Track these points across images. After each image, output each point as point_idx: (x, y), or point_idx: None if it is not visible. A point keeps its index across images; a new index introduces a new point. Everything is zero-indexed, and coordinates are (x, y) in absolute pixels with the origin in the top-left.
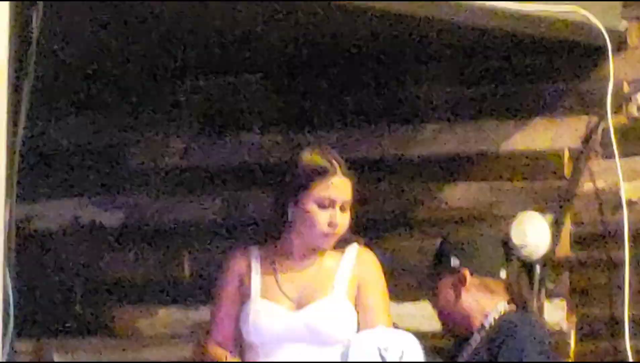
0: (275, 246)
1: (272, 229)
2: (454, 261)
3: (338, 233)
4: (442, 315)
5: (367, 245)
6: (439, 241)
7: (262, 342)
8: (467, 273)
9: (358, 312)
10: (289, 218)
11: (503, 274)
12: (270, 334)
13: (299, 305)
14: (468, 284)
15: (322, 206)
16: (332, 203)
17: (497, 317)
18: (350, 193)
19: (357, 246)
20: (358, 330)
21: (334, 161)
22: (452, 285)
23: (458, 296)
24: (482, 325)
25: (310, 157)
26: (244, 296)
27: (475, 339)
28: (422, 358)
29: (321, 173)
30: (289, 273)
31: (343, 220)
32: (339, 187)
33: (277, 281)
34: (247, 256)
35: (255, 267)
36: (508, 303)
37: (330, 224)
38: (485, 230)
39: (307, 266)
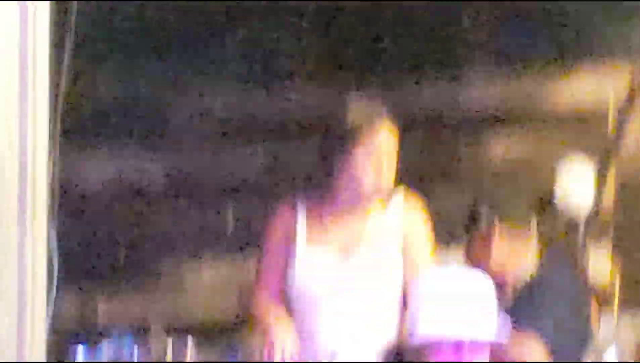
0: (322, 197)
1: (319, 180)
2: (485, 213)
3: (385, 183)
4: (476, 265)
5: (413, 193)
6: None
7: (308, 291)
8: (497, 223)
9: (405, 258)
10: (335, 168)
11: (534, 224)
12: (319, 284)
13: (346, 254)
14: (499, 234)
15: (369, 157)
16: (379, 154)
17: (529, 270)
18: (396, 143)
19: (403, 195)
20: (403, 277)
21: (381, 112)
22: (485, 239)
23: (489, 246)
24: (515, 278)
25: (357, 107)
26: (291, 247)
27: (508, 292)
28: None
29: (368, 123)
30: (336, 223)
31: (390, 170)
32: (385, 138)
33: (325, 231)
34: (294, 207)
35: (302, 218)
36: (541, 255)
37: (377, 175)
38: (527, 183)
39: (355, 215)
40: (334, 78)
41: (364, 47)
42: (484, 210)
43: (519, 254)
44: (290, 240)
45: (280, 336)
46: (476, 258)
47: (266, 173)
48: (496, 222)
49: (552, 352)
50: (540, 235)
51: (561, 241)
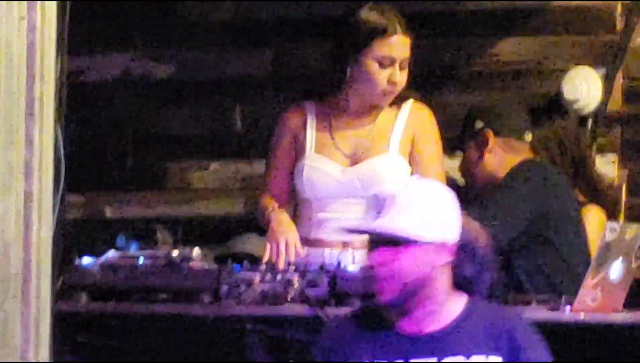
0: (332, 103)
1: (329, 85)
2: (478, 124)
3: (397, 90)
4: (468, 173)
5: (422, 100)
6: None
7: (315, 196)
8: (490, 134)
9: (412, 166)
10: (347, 75)
11: (528, 136)
12: (324, 188)
13: (354, 161)
14: (491, 144)
15: (382, 64)
16: (392, 61)
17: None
18: (409, 50)
19: (413, 102)
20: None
21: (394, 19)
22: (477, 146)
23: (482, 156)
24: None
25: (370, 14)
26: (298, 152)
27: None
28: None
29: (381, 31)
30: (345, 130)
31: (402, 78)
32: (398, 45)
33: (332, 137)
34: (302, 111)
35: (311, 123)
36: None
37: (389, 82)
38: (536, 85)
39: (364, 123)
40: None
41: None
42: (476, 116)
43: (512, 158)
44: (298, 144)
45: (283, 236)
46: (469, 166)
47: (273, 74)
48: (489, 133)
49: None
50: (530, 141)
51: (545, 155)
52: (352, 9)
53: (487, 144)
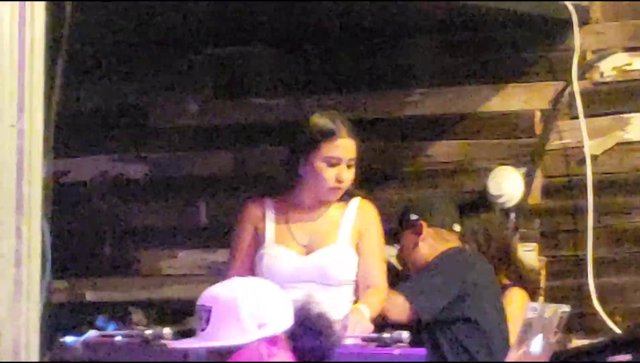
0: (287, 198)
1: (284, 183)
2: (413, 216)
3: (344, 187)
4: (404, 260)
5: (367, 197)
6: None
7: (275, 282)
8: (423, 224)
9: (358, 255)
10: (299, 173)
11: (457, 227)
12: (282, 275)
13: (309, 250)
14: (424, 234)
15: (329, 164)
16: (338, 161)
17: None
18: (355, 152)
19: (359, 199)
20: (358, 272)
21: (340, 124)
22: (412, 235)
23: (417, 243)
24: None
25: (319, 120)
26: (258, 241)
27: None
28: None
29: (329, 134)
30: (300, 223)
31: (348, 176)
32: (345, 147)
33: (289, 229)
34: (261, 205)
35: (269, 216)
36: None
37: (337, 180)
38: (465, 182)
39: (316, 216)
40: (294, 91)
41: (320, 66)
42: (411, 210)
43: (442, 246)
44: (258, 234)
45: None
46: (406, 254)
47: (233, 174)
48: (422, 224)
49: (416, 312)
50: (458, 231)
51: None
52: (304, 115)
53: (420, 233)
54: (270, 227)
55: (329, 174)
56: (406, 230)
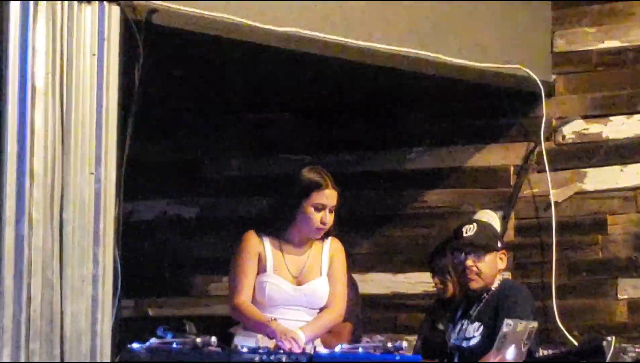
0: (279, 235)
1: (280, 223)
2: (500, 243)
3: (326, 228)
4: (476, 282)
5: (337, 236)
6: (469, 223)
7: (272, 304)
8: (505, 253)
9: (328, 280)
10: (294, 216)
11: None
12: (280, 300)
13: (298, 281)
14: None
15: (317, 209)
16: (324, 207)
17: (498, 284)
18: (336, 200)
19: (331, 238)
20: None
21: (326, 177)
22: (499, 259)
23: (500, 269)
24: (489, 289)
25: (309, 174)
26: (260, 268)
27: (485, 296)
28: None
29: (317, 186)
30: (291, 255)
31: (330, 219)
32: (329, 196)
33: (284, 261)
34: (260, 238)
35: (268, 248)
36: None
37: (322, 222)
38: (454, 223)
39: (304, 251)
40: (317, 149)
41: (335, 128)
42: (499, 243)
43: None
44: (260, 262)
45: (291, 336)
46: (488, 274)
47: (269, 216)
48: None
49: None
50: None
51: None
52: (298, 170)
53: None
54: (270, 258)
55: (316, 217)
56: (492, 252)
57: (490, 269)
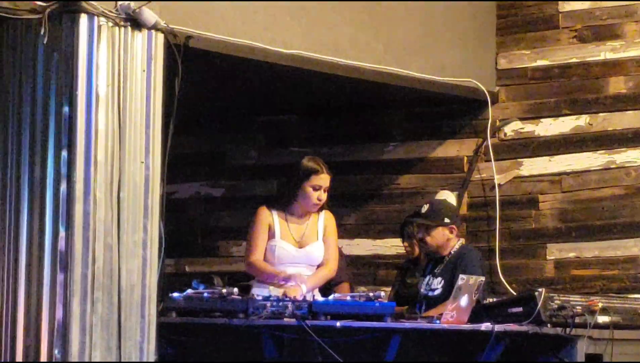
0: (285, 208)
1: (286, 199)
2: (447, 220)
3: (321, 204)
4: (428, 247)
5: (329, 210)
6: (426, 204)
7: (280, 263)
8: (455, 226)
9: (323, 245)
10: (295, 194)
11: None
12: (285, 259)
13: (300, 245)
14: (455, 232)
15: (314, 189)
16: (319, 188)
17: (458, 248)
18: (329, 182)
19: (324, 211)
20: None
21: (322, 164)
22: (445, 231)
23: (448, 238)
24: (450, 253)
25: (309, 162)
26: (270, 235)
27: (447, 258)
28: None
29: (315, 171)
30: (294, 224)
31: (324, 197)
32: (324, 179)
33: (289, 229)
34: (270, 211)
35: (276, 218)
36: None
37: (318, 199)
38: (421, 200)
39: (304, 221)
40: (316, 143)
41: (331, 125)
42: (446, 219)
43: (456, 238)
44: (270, 230)
45: (297, 286)
46: (437, 241)
47: (278, 194)
48: (453, 222)
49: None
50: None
51: None
52: (300, 159)
53: (452, 232)
54: (278, 227)
55: (314, 195)
56: (439, 227)
57: (437, 240)
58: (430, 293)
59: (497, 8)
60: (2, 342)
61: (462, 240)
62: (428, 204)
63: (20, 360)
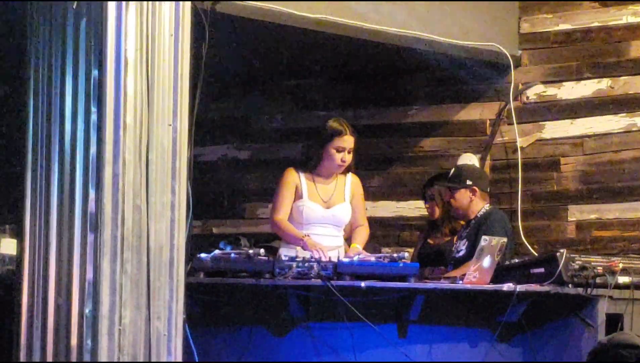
0: (311, 170)
1: (312, 161)
2: (469, 181)
3: (346, 166)
4: (455, 210)
5: (356, 173)
6: (453, 168)
7: (307, 223)
8: (477, 188)
9: (352, 207)
10: (321, 155)
11: (488, 189)
12: (314, 220)
13: (327, 205)
14: (477, 194)
15: (338, 150)
16: (343, 149)
17: (484, 211)
18: (353, 144)
19: (351, 174)
20: (351, 217)
21: (346, 126)
22: (467, 193)
23: (472, 200)
24: (476, 216)
25: (333, 124)
26: (297, 195)
27: (472, 222)
28: None
29: (338, 133)
30: (321, 184)
31: (349, 159)
32: (348, 141)
33: (316, 189)
34: (297, 173)
35: (303, 180)
36: (489, 204)
37: (342, 161)
38: (444, 163)
39: (330, 181)
40: (341, 106)
41: (354, 90)
42: (467, 176)
43: (482, 202)
44: (297, 190)
45: (320, 248)
46: (460, 204)
47: (304, 158)
48: (475, 184)
49: None
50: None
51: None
52: (325, 121)
53: (475, 193)
54: (305, 187)
55: (337, 157)
56: (461, 189)
57: (460, 202)
58: (455, 255)
59: None
60: (34, 302)
61: (489, 205)
62: (454, 168)
63: (52, 319)
